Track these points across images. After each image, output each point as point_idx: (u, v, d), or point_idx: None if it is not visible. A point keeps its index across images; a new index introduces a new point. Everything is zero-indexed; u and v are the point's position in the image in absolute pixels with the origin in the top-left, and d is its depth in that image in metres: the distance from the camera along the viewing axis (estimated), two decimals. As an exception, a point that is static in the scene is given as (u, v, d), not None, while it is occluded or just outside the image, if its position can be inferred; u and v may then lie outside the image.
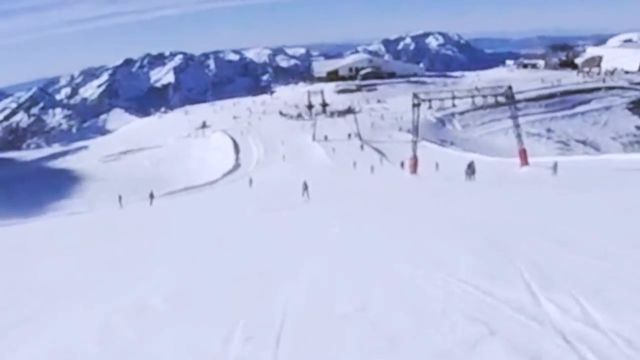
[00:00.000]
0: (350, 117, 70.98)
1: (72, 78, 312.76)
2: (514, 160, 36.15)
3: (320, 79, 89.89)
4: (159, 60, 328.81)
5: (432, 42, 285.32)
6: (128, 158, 75.46)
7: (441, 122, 69.40)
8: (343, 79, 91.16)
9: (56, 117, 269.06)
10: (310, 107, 75.17)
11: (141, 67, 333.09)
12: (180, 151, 74.73)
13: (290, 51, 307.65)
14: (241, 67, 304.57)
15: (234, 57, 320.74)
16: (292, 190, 24.81)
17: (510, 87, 33.84)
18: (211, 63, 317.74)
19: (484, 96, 35.87)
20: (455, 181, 24.29)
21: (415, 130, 34.44)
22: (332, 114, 74.09)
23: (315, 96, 75.68)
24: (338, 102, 77.61)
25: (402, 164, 39.58)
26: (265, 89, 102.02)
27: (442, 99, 35.94)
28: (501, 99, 72.18)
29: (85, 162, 74.09)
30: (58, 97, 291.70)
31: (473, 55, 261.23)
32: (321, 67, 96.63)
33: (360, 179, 32.89)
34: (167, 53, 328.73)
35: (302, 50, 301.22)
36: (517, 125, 34.23)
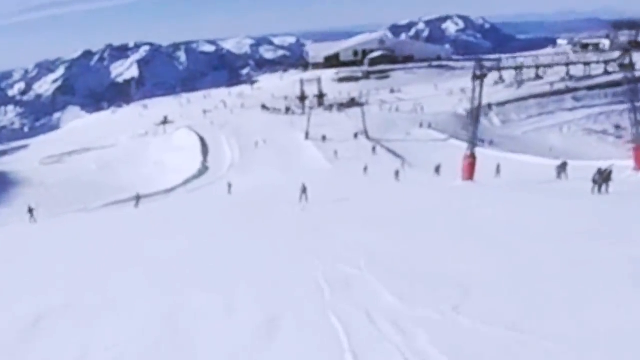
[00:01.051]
0: (354, 110, 63.39)
1: (27, 72, 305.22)
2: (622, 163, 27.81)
3: (317, 66, 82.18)
4: (121, 52, 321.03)
5: (451, 28, 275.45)
6: (72, 160, 68.32)
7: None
8: (345, 64, 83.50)
9: (8, 115, 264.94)
10: (302, 98, 67.49)
11: (101, 60, 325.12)
12: (135, 152, 66.71)
13: (277, 40, 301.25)
14: (217, 59, 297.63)
15: (209, 48, 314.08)
16: (276, 206, 21.14)
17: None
18: (182, 55, 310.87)
19: (586, 64, 27.70)
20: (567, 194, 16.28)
21: (474, 116, 26.68)
22: (330, 107, 66.42)
23: (310, 86, 68.11)
24: (339, 92, 69.92)
25: (438, 169, 31.63)
26: (246, 81, 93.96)
27: (518, 68, 27.82)
28: (560, 86, 65.83)
29: (23, 164, 67.01)
30: (11, 93, 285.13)
31: (502, 42, 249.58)
32: (318, 50, 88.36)
33: (380, 192, 24.70)
34: (131, 44, 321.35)
35: (292, 39, 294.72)
36: (634, 110, 26.28)
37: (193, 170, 52.45)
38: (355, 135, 53.09)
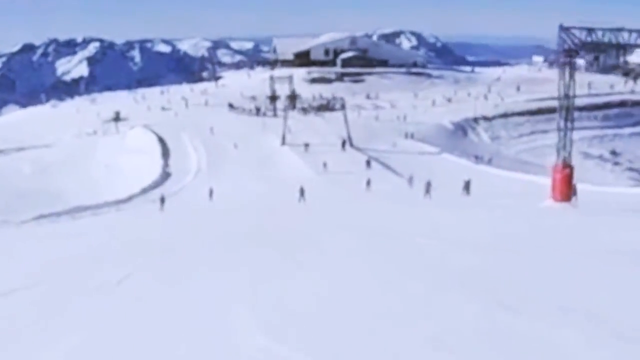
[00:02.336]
0: (332, 115, 57.46)
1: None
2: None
3: (286, 63, 75.66)
4: (68, 47, 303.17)
5: (404, 43, 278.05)
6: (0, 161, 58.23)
7: (461, 129, 57.37)
8: (316, 63, 77.52)
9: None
10: (273, 98, 60.93)
11: (45, 54, 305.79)
12: (80, 153, 57.81)
13: (234, 44, 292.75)
14: (174, 60, 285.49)
15: (165, 48, 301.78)
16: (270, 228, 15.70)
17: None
18: (136, 54, 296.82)
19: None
20: None
21: (566, 112, 21.01)
22: (304, 110, 60.11)
23: (280, 85, 61.64)
24: (310, 94, 63.90)
25: (467, 187, 25.91)
26: (208, 78, 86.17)
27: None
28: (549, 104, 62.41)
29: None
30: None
31: (454, 62, 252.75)
32: (287, 46, 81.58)
33: (420, 217, 18.58)
34: (79, 39, 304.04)
35: (249, 45, 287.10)
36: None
37: (153, 177, 45.06)
38: (343, 145, 47.08)
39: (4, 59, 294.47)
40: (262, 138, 52.39)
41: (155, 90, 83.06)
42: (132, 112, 66.14)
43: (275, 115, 58.72)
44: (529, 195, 23.74)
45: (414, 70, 78.48)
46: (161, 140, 54.31)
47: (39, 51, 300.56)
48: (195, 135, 55.07)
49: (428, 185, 25.24)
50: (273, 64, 77.52)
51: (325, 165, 39.03)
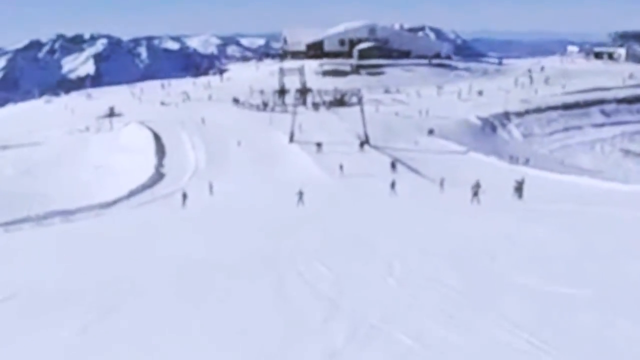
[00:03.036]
0: (346, 111, 53.37)
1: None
2: None
3: (297, 55, 71.42)
4: (75, 44, 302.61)
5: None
6: (-21, 161, 54.80)
7: (490, 126, 52.69)
8: (330, 55, 73.09)
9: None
10: (282, 92, 56.94)
11: (51, 51, 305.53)
12: (70, 152, 54.50)
13: (245, 41, 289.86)
14: (182, 58, 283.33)
15: (173, 45, 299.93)
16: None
17: None
18: (143, 51, 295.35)
19: None
20: None
21: None
22: (316, 106, 56.03)
23: (290, 77, 57.63)
24: (323, 88, 59.60)
25: (520, 189, 21.43)
26: (214, 71, 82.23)
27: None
28: (586, 97, 57.87)
29: None
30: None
31: (475, 58, 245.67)
32: (298, 36, 77.16)
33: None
34: (86, 35, 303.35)
35: (261, 41, 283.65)
36: None
37: (144, 178, 41.26)
38: (362, 145, 42.77)
39: (9, 55, 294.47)
40: (268, 135, 48.41)
41: (155, 84, 79.55)
42: (128, 107, 62.67)
43: (284, 110, 54.61)
44: (599, 201, 19.22)
45: (438, 62, 73.72)
46: (157, 138, 50.64)
47: (45, 48, 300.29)
48: (195, 132, 51.34)
49: (476, 188, 20.82)
50: (283, 56, 73.27)
51: (341, 167, 34.63)
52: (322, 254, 10.41)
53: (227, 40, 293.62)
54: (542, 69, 66.40)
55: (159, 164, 44.75)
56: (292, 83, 58.98)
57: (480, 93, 59.38)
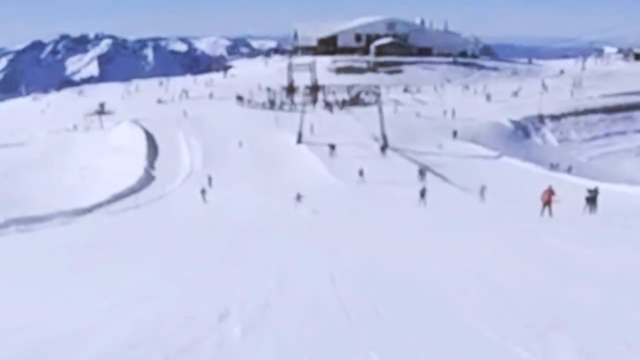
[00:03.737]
0: (362, 111, 49.50)
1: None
2: None
3: (308, 51, 67.51)
4: (79, 44, 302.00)
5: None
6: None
7: (522, 130, 48.45)
8: (345, 51, 69.08)
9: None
10: (291, 89, 53.05)
11: (54, 52, 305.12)
12: (55, 153, 51.09)
13: (255, 43, 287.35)
14: (189, 60, 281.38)
15: (181, 46, 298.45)
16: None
17: None
18: (149, 53, 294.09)
19: None
20: None
21: None
22: (328, 105, 52.16)
23: (301, 74, 53.75)
24: (336, 86, 55.74)
25: (594, 199, 17.21)
26: (217, 68, 78.52)
27: None
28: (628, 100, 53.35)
29: None
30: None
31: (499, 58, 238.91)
32: (310, 31, 73.35)
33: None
34: (90, 35, 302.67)
35: (272, 43, 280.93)
36: None
37: (132, 180, 37.65)
38: (383, 149, 38.63)
39: (10, 56, 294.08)
40: (273, 135, 44.58)
41: (153, 82, 76.22)
42: (122, 105, 59.16)
43: (292, 109, 50.73)
44: None
45: (463, 60, 69.39)
46: (150, 138, 46.94)
47: (48, 48, 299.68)
48: (193, 132, 47.62)
49: (548, 197, 16.52)
50: (293, 52, 69.40)
51: (361, 173, 30.45)
52: (335, 311, 6.19)
53: (236, 42, 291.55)
54: (583, 68, 61.97)
55: (150, 166, 41.12)
56: (302, 80, 55.25)
57: (515, 94, 55.14)
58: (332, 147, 37.58)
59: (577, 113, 50.62)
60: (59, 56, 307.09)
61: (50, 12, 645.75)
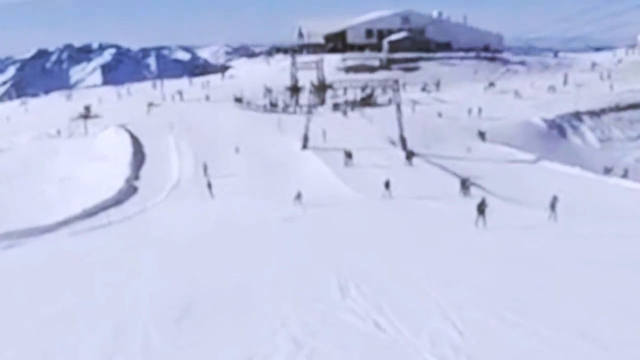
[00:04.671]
0: (374, 112, 43.99)
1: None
2: None
3: (314, 48, 61.68)
4: (83, 53, 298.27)
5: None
6: None
7: (558, 128, 42.58)
8: (354, 48, 63.23)
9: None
10: (295, 89, 47.67)
11: (59, 61, 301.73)
12: (36, 160, 45.73)
13: (258, 51, 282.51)
14: (192, 69, 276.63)
15: (184, 55, 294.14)
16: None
17: None
18: (152, 62, 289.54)
19: None
20: None
21: None
22: (336, 106, 46.52)
23: (306, 73, 48.47)
24: (348, 81, 50.22)
25: None
26: (216, 70, 72.56)
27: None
28: None
29: None
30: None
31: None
32: (316, 27, 67.34)
33: None
34: (94, 45, 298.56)
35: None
36: None
37: (112, 191, 32.18)
38: (409, 156, 32.48)
39: (17, 65, 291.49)
40: (275, 140, 38.94)
41: (146, 85, 70.85)
42: (111, 108, 53.65)
43: (298, 111, 45.13)
44: None
45: (486, 55, 63.25)
46: (136, 144, 41.36)
47: (53, 57, 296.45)
48: (185, 137, 41.90)
49: None
50: (297, 50, 63.54)
51: (387, 185, 24.31)
52: None
53: (238, 50, 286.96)
54: (620, 61, 55.91)
55: (133, 176, 35.42)
56: (308, 80, 49.75)
57: (552, 89, 49.38)
58: (349, 154, 31.53)
59: (618, 108, 44.82)
60: (64, 65, 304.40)
61: (55, 20, 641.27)
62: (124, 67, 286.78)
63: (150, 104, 51.98)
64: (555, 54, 65.68)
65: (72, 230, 24.25)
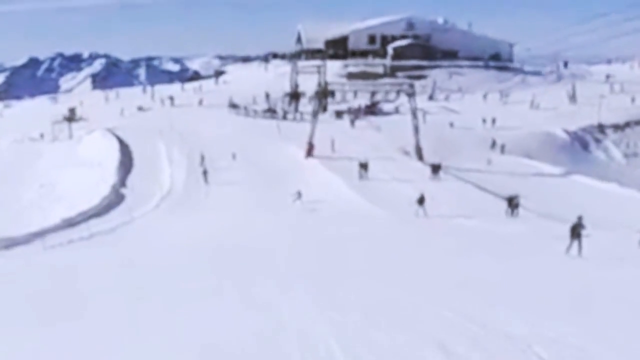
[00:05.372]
0: (380, 120, 41.00)
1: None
2: None
3: (314, 54, 58.38)
4: (73, 62, 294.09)
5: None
6: None
7: (580, 141, 39.85)
8: (356, 54, 60.19)
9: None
10: (295, 96, 44.57)
11: (49, 69, 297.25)
12: (16, 166, 42.09)
13: (254, 56, 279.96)
14: (182, 79, 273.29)
15: (173, 66, 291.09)
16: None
17: None
18: (142, 72, 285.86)
19: None
20: None
21: None
22: (339, 114, 43.48)
23: (307, 80, 45.52)
24: (350, 84, 47.33)
25: None
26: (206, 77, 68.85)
27: None
28: None
29: None
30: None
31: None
32: (316, 31, 63.19)
33: None
34: (85, 54, 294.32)
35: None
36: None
37: (93, 201, 28.42)
38: (435, 170, 28.75)
39: (7, 72, 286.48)
40: (276, 147, 35.41)
41: (136, 90, 67.29)
42: (98, 112, 49.94)
43: (299, 118, 41.82)
44: None
45: (496, 64, 60.51)
46: (125, 149, 37.64)
47: (44, 65, 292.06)
48: (177, 143, 38.31)
49: None
50: (296, 55, 60.32)
51: (421, 201, 20.72)
52: None
53: (229, 60, 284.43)
54: (608, 77, 53.39)
55: (120, 183, 31.71)
56: (307, 86, 46.69)
57: (572, 98, 47.09)
58: (364, 166, 27.88)
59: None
60: (54, 74, 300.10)
61: (46, 29, 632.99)
62: (114, 77, 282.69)
63: (140, 108, 48.38)
64: (565, 65, 63.04)
65: (48, 243, 20.52)
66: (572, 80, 50.99)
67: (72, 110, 45.95)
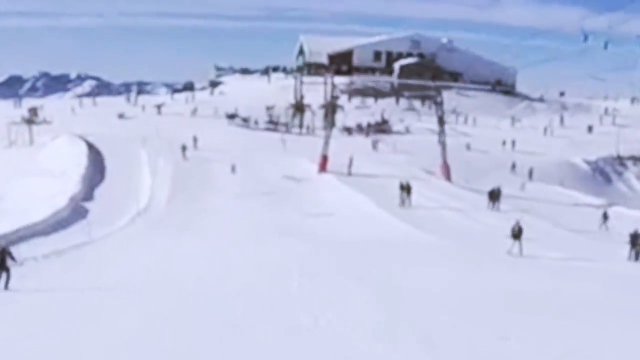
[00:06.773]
0: (391, 139, 35.09)
1: None
2: None
3: (317, 69, 52.58)
4: (59, 83, 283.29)
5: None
6: None
7: (600, 173, 35.28)
8: (360, 70, 54.98)
9: None
10: (300, 108, 38.53)
11: (33, 89, 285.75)
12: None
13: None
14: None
15: (165, 92, 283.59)
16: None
17: None
18: (132, 96, 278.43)
19: None
20: None
21: None
22: (349, 131, 37.36)
23: (309, 94, 39.64)
24: (349, 111, 41.94)
25: None
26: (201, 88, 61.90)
27: None
28: None
29: None
30: None
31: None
32: (319, 45, 57.63)
33: None
34: (72, 75, 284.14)
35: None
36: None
37: (44, 214, 20.81)
38: (494, 198, 22.19)
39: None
40: (281, 161, 28.60)
41: (119, 99, 60.21)
42: (69, 118, 42.60)
43: (305, 132, 35.52)
44: None
45: (501, 88, 56.68)
46: (96, 157, 30.35)
47: (27, 85, 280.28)
48: (161, 153, 30.99)
49: None
50: (298, 70, 54.69)
51: (519, 233, 14.46)
52: None
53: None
54: (606, 111, 50.94)
55: (85, 196, 24.30)
56: (310, 100, 40.70)
57: (589, 130, 44.31)
58: (406, 188, 21.07)
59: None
60: (38, 93, 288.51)
61: (31, 48, 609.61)
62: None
63: (121, 116, 41.34)
64: (561, 94, 59.74)
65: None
66: (576, 111, 48.38)
67: (33, 111, 38.33)
